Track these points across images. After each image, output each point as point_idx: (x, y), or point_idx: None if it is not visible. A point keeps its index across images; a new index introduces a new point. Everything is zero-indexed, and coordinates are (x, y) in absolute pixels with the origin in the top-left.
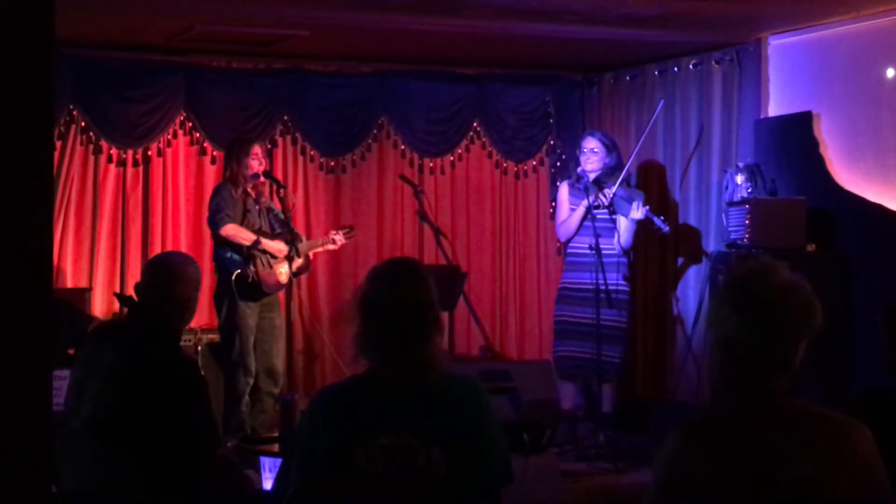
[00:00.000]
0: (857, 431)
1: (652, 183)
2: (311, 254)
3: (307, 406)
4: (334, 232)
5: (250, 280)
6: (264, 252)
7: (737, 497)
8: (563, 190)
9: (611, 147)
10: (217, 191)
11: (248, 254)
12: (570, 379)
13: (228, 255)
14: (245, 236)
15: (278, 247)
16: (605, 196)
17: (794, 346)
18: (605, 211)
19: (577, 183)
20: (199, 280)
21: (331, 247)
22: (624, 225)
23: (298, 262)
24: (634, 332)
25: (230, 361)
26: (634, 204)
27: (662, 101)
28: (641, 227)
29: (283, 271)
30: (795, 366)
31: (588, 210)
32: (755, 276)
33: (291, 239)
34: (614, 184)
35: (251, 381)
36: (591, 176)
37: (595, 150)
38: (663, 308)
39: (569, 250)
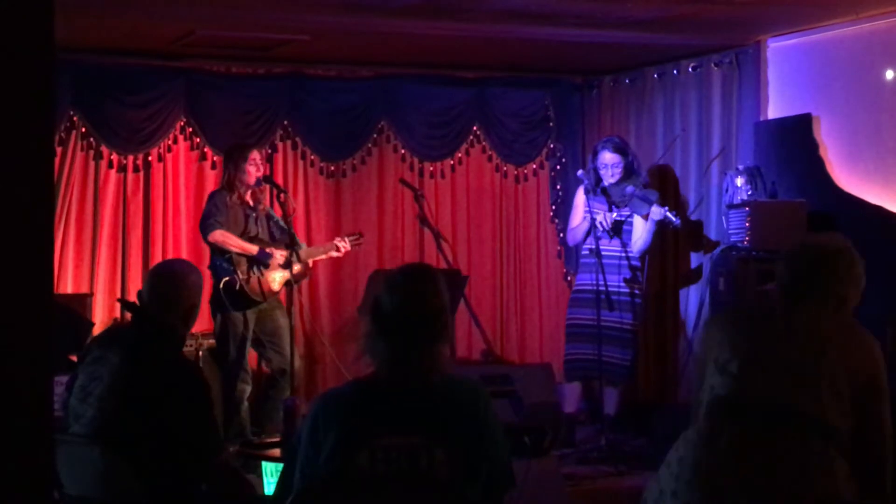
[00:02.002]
0: (868, 341)
1: (654, 180)
2: (311, 261)
3: (308, 411)
4: (339, 238)
5: (237, 287)
6: (259, 260)
7: (736, 358)
8: (580, 195)
9: (626, 153)
10: (210, 197)
11: (238, 260)
12: (579, 381)
13: (219, 262)
14: (234, 243)
15: (278, 255)
16: (605, 222)
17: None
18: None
19: (591, 186)
20: (201, 287)
21: (334, 254)
22: (641, 227)
23: (297, 268)
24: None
25: (227, 368)
26: (654, 207)
27: (681, 132)
28: (659, 226)
29: (275, 278)
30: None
31: (591, 225)
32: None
33: (291, 244)
34: (630, 186)
35: (248, 387)
36: (609, 182)
37: (615, 164)
38: (664, 311)
39: (582, 251)
